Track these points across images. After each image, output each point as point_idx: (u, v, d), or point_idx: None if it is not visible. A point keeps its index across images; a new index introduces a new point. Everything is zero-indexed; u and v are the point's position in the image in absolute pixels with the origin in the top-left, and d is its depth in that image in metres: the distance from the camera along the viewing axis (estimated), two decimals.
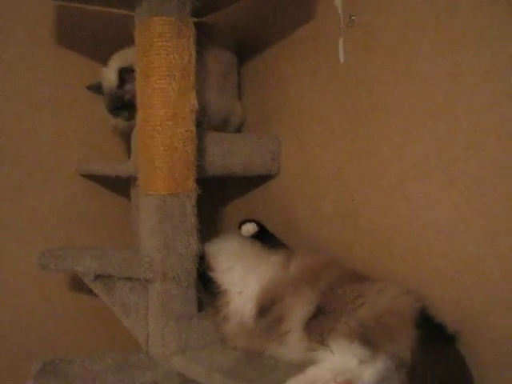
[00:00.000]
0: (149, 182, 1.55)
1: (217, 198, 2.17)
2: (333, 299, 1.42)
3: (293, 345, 1.43)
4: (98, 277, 1.60)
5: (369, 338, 1.30)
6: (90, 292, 1.66)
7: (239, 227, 1.71)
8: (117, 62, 1.78)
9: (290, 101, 1.87)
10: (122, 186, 1.96)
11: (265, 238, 1.68)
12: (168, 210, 1.54)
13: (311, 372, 1.26)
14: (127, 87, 1.74)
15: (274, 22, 1.92)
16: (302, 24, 1.79)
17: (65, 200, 2.02)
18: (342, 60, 1.68)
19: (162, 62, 1.50)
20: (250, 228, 1.68)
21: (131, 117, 1.72)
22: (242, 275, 1.58)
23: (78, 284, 2.00)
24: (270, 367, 1.43)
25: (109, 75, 1.78)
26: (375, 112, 1.59)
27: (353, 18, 1.63)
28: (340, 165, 1.71)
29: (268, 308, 1.48)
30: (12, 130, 1.91)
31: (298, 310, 1.44)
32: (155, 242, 1.55)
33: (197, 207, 1.59)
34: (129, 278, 1.60)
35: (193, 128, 1.55)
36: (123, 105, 1.77)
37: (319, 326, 1.38)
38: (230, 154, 1.74)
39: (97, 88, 1.83)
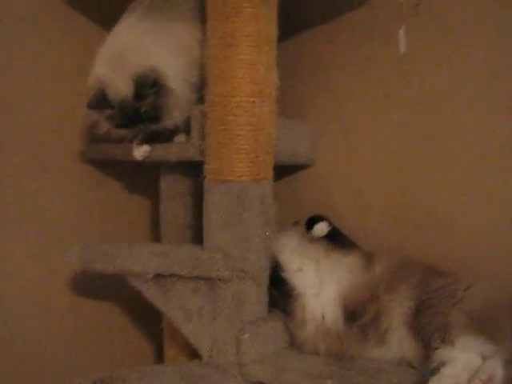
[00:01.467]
0: (227, 166, 1.36)
1: None
2: (430, 294, 1.35)
3: (393, 344, 1.34)
4: (154, 278, 1.37)
5: (486, 332, 1.26)
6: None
7: (307, 225, 1.53)
8: (130, 65, 1.39)
9: (332, 88, 1.76)
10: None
11: (334, 236, 1.54)
12: (249, 199, 1.36)
13: (450, 371, 1.18)
14: (148, 99, 1.41)
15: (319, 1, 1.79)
16: (353, 8, 1.70)
17: (67, 188, 1.71)
18: (402, 50, 1.61)
19: (252, 30, 1.32)
20: (324, 227, 1.51)
21: (147, 127, 1.46)
22: (315, 277, 1.45)
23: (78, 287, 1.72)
24: (374, 369, 1.31)
25: (118, 84, 1.38)
26: (439, 104, 1.55)
27: (418, 5, 1.58)
28: (395, 157, 1.64)
29: (360, 310, 1.37)
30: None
31: (397, 308, 1.35)
32: (232, 235, 1.36)
33: None
34: (192, 278, 1.39)
35: (275, 108, 1.39)
36: (139, 118, 1.43)
37: (426, 322, 1.30)
38: (290, 140, 1.59)
39: (100, 102, 1.40)
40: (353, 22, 1.71)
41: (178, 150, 1.47)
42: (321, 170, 1.79)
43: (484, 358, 1.21)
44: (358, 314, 1.36)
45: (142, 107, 1.40)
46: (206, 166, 1.40)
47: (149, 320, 1.90)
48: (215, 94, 1.36)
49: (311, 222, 1.52)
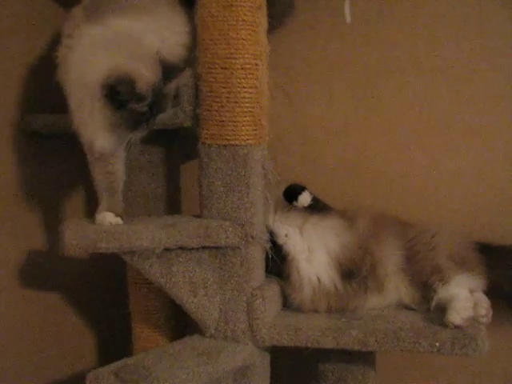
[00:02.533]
0: (231, 130, 1.32)
1: None
2: (411, 242, 1.49)
3: (391, 290, 1.45)
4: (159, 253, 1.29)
5: (467, 270, 1.44)
6: None
7: (287, 195, 1.47)
8: (147, 50, 1.27)
9: (277, 56, 1.78)
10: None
11: (314, 204, 1.50)
12: (254, 163, 1.34)
13: (460, 304, 1.31)
14: (173, 82, 1.30)
15: None
16: None
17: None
18: (348, 20, 1.71)
19: None
20: (307, 197, 1.45)
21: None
22: (302, 243, 1.47)
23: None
24: (380, 316, 1.39)
25: (144, 72, 1.23)
26: (386, 70, 1.69)
27: None
28: (343, 122, 1.74)
29: (355, 267, 1.44)
30: None
31: (389, 257, 1.46)
32: (240, 201, 1.33)
33: None
34: (195, 250, 1.34)
35: (267, 72, 1.39)
36: (165, 106, 1.31)
37: (419, 267, 1.44)
38: None
39: (131, 97, 1.22)
40: None
41: (164, 116, 1.38)
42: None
43: (471, 291, 1.38)
44: (354, 271, 1.44)
45: (169, 92, 1.29)
46: (204, 132, 1.35)
47: (96, 313, 1.83)
48: (215, 57, 1.31)
49: (292, 193, 1.47)
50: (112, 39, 1.25)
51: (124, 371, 1.21)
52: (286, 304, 1.47)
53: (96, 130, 1.25)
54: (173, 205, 1.59)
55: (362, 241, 1.47)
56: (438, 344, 1.25)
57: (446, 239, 1.52)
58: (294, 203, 1.46)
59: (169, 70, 1.26)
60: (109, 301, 1.83)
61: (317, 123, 1.77)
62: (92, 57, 1.23)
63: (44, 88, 1.60)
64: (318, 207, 1.51)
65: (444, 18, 1.62)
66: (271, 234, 1.44)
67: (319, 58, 1.75)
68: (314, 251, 1.46)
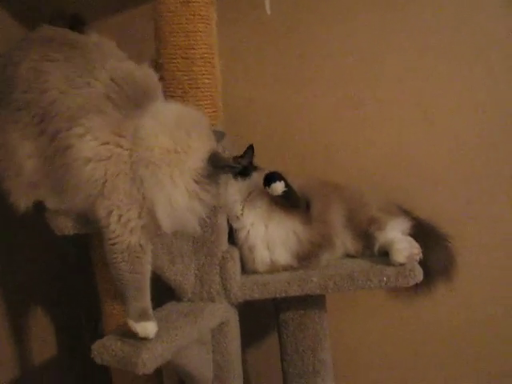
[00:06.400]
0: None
1: None
2: (348, 202, 1.74)
3: (339, 246, 1.68)
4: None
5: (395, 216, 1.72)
6: None
7: (265, 181, 1.53)
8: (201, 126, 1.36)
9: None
10: None
11: (286, 195, 1.55)
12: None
13: (400, 245, 1.55)
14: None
15: None
16: None
17: None
18: (268, 12, 1.92)
19: None
20: (279, 187, 1.51)
21: None
22: (263, 235, 1.61)
23: None
24: (332, 265, 1.62)
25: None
26: (308, 59, 1.93)
27: None
28: (271, 103, 1.97)
29: (312, 252, 1.62)
30: None
31: (337, 219, 1.68)
32: None
33: None
34: None
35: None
36: None
37: (359, 220, 1.68)
38: None
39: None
40: None
41: None
42: None
43: (403, 233, 1.65)
44: (311, 254, 1.62)
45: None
46: None
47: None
48: (177, 48, 1.46)
49: (268, 179, 1.53)
50: (178, 124, 1.30)
51: (127, 336, 1.33)
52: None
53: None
54: None
55: (316, 224, 1.63)
56: (385, 279, 1.51)
57: (372, 197, 1.79)
58: (267, 189, 1.54)
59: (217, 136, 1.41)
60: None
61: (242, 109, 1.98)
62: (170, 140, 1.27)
63: None
64: (290, 199, 1.59)
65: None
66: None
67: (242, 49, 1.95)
68: (275, 246, 1.60)
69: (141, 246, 1.31)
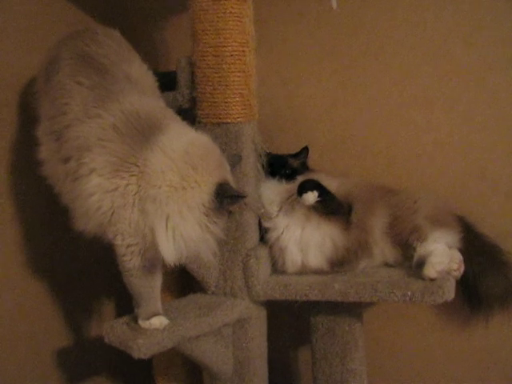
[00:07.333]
0: (224, 110, 1.50)
1: None
2: (395, 208, 1.63)
3: (377, 254, 1.60)
4: None
5: (444, 227, 1.58)
6: None
7: (299, 191, 1.52)
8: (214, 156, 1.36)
9: (269, 43, 1.94)
10: None
11: (323, 202, 1.53)
12: (244, 138, 1.52)
13: (435, 259, 1.45)
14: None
15: None
16: None
17: None
18: (334, 6, 1.86)
19: None
20: (311, 198, 1.50)
21: None
22: (300, 237, 1.59)
23: None
24: (364, 272, 1.56)
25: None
26: (373, 54, 1.83)
27: None
28: (332, 101, 1.90)
29: (347, 259, 1.57)
30: None
31: (377, 226, 1.60)
32: (232, 172, 1.50)
33: None
34: None
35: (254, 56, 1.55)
36: None
37: (400, 229, 1.58)
38: None
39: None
40: None
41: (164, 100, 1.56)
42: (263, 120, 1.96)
43: (449, 246, 1.52)
44: (345, 261, 1.57)
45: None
46: (200, 112, 1.53)
47: None
48: (207, 45, 1.48)
49: (301, 189, 1.52)
50: (185, 159, 1.30)
51: (134, 321, 1.40)
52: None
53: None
54: None
55: (355, 230, 1.57)
56: (409, 293, 1.41)
57: (427, 204, 1.66)
58: (299, 199, 1.53)
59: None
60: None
61: (307, 104, 1.93)
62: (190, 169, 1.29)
63: None
64: (323, 206, 1.55)
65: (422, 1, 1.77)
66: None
67: (308, 43, 1.91)
68: (309, 249, 1.57)
69: (146, 267, 1.36)
